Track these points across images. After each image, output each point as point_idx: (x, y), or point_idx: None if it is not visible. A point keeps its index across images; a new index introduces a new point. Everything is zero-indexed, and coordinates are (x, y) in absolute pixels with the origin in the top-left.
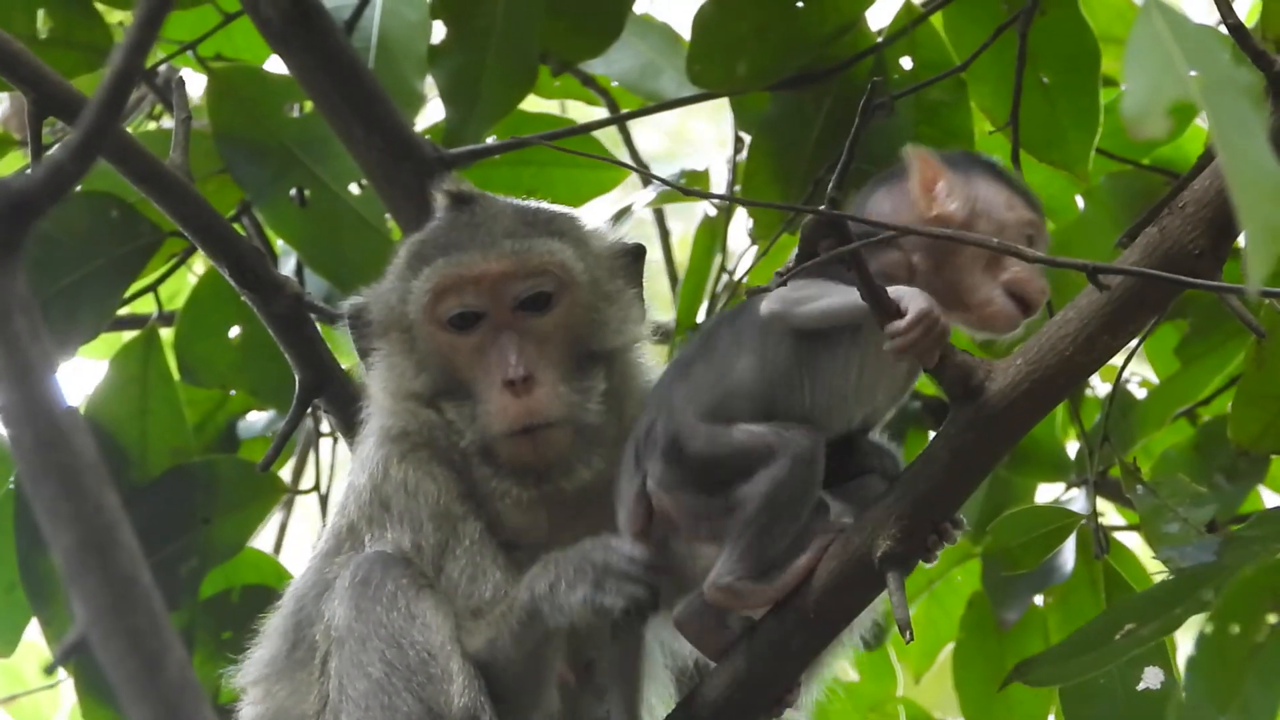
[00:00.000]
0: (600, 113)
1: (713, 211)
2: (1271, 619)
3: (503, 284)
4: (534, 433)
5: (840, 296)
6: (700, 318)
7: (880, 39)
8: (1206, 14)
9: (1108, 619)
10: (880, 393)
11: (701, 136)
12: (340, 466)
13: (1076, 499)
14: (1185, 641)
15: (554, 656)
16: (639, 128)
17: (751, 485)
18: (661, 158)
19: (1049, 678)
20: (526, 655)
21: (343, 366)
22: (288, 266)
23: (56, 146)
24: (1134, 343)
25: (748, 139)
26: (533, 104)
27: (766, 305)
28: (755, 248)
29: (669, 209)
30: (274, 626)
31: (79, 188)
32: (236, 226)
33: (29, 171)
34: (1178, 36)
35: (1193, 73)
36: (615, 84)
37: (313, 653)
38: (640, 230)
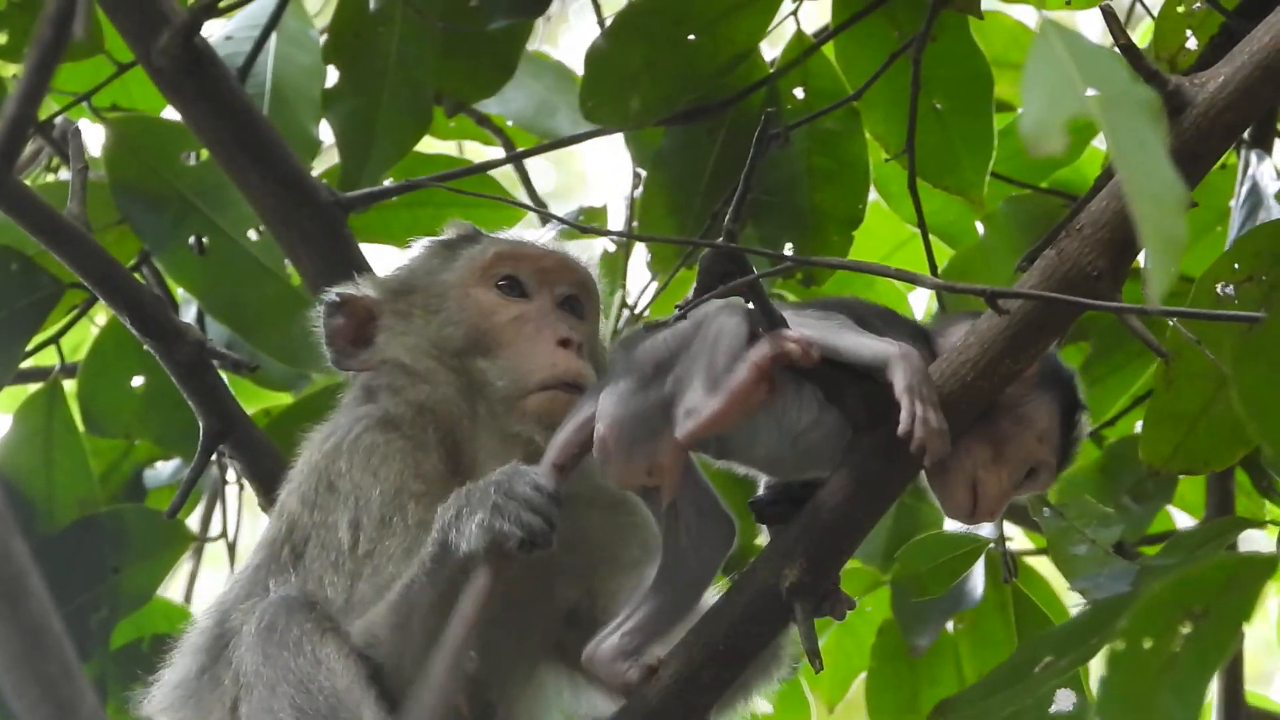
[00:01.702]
0: (496, 152)
1: (612, 247)
2: (1185, 629)
3: (555, 275)
4: (570, 390)
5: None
6: None
7: (773, 69)
8: (1100, 37)
9: (1024, 653)
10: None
11: (600, 170)
12: (248, 513)
13: (984, 524)
14: (1097, 661)
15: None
16: (536, 165)
17: (695, 340)
18: (560, 194)
19: (970, 717)
20: (439, 598)
21: (247, 413)
22: (189, 314)
23: None
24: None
25: (644, 174)
26: (429, 145)
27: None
28: (655, 281)
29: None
30: (189, 645)
31: None
32: (136, 276)
33: None
34: (1075, 55)
35: (1090, 91)
36: (510, 123)
37: (229, 669)
38: None
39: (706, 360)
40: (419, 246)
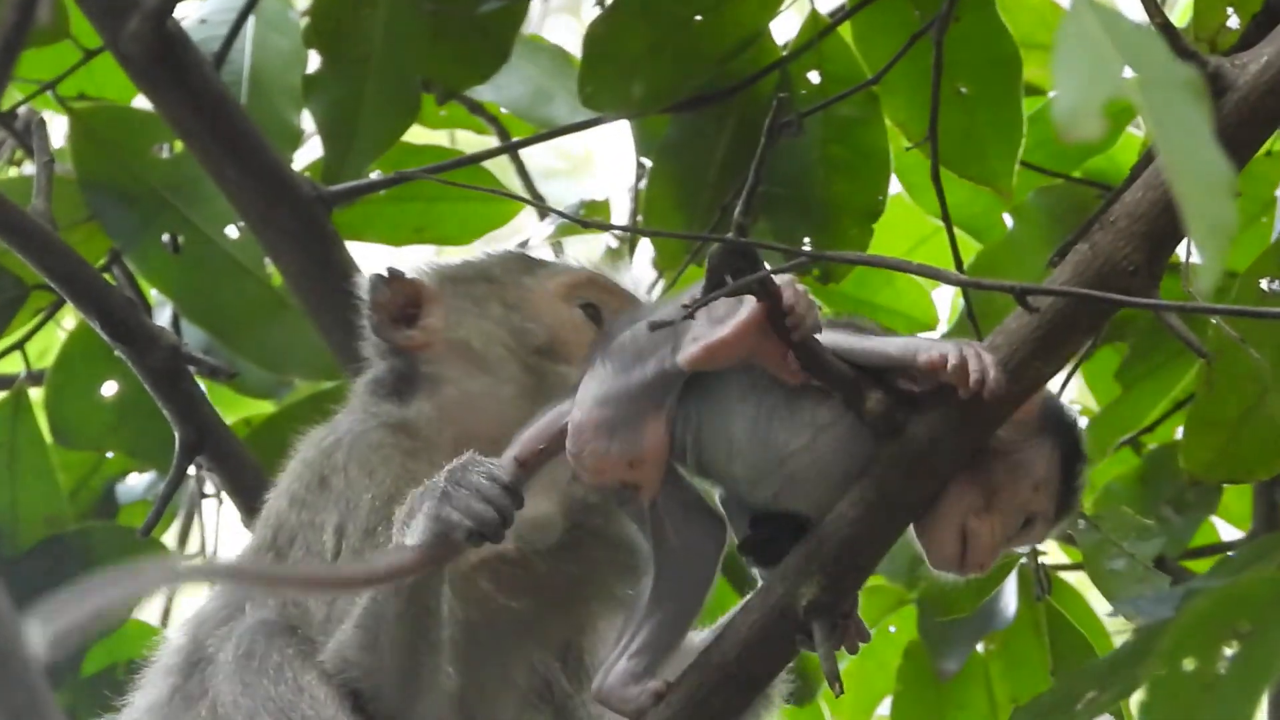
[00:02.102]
0: (490, 142)
1: (615, 243)
2: (1229, 649)
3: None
4: None
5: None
6: None
7: (785, 53)
8: (1135, 16)
9: (1064, 688)
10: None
11: (603, 156)
12: (226, 528)
13: None
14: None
15: (436, 620)
16: (533, 151)
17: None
18: (559, 175)
19: None
20: (405, 609)
21: (226, 422)
22: (163, 317)
23: None
24: (1071, 368)
25: (649, 164)
26: (418, 135)
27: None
28: (661, 279)
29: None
30: (160, 665)
31: None
32: (106, 277)
33: None
34: (1110, 33)
35: (1127, 71)
36: (505, 111)
37: (203, 689)
38: None
39: (704, 316)
40: (489, 248)
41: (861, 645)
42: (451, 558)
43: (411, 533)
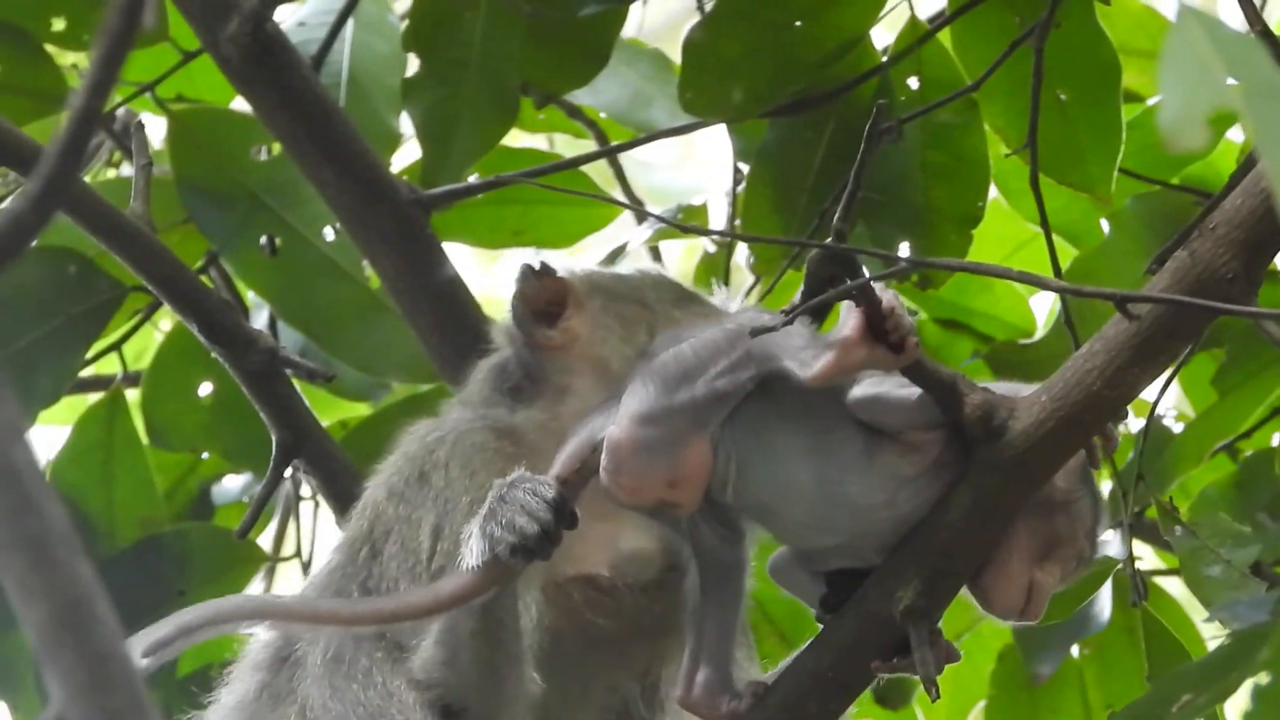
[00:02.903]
0: (588, 146)
1: (712, 248)
2: None
3: None
4: None
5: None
6: None
7: (885, 58)
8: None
9: (1160, 690)
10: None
11: (701, 155)
12: (322, 530)
13: (1111, 543)
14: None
15: (513, 634)
16: (631, 152)
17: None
18: (658, 167)
19: None
20: (479, 625)
21: (322, 425)
22: (260, 320)
23: (10, 197)
24: (1168, 374)
25: (746, 169)
26: (516, 138)
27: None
28: (758, 285)
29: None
30: (248, 661)
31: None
32: (204, 279)
33: None
34: (1215, 43)
35: (1231, 80)
36: (604, 115)
37: (290, 689)
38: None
39: (787, 343)
40: (645, 269)
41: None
42: (509, 578)
43: (471, 553)
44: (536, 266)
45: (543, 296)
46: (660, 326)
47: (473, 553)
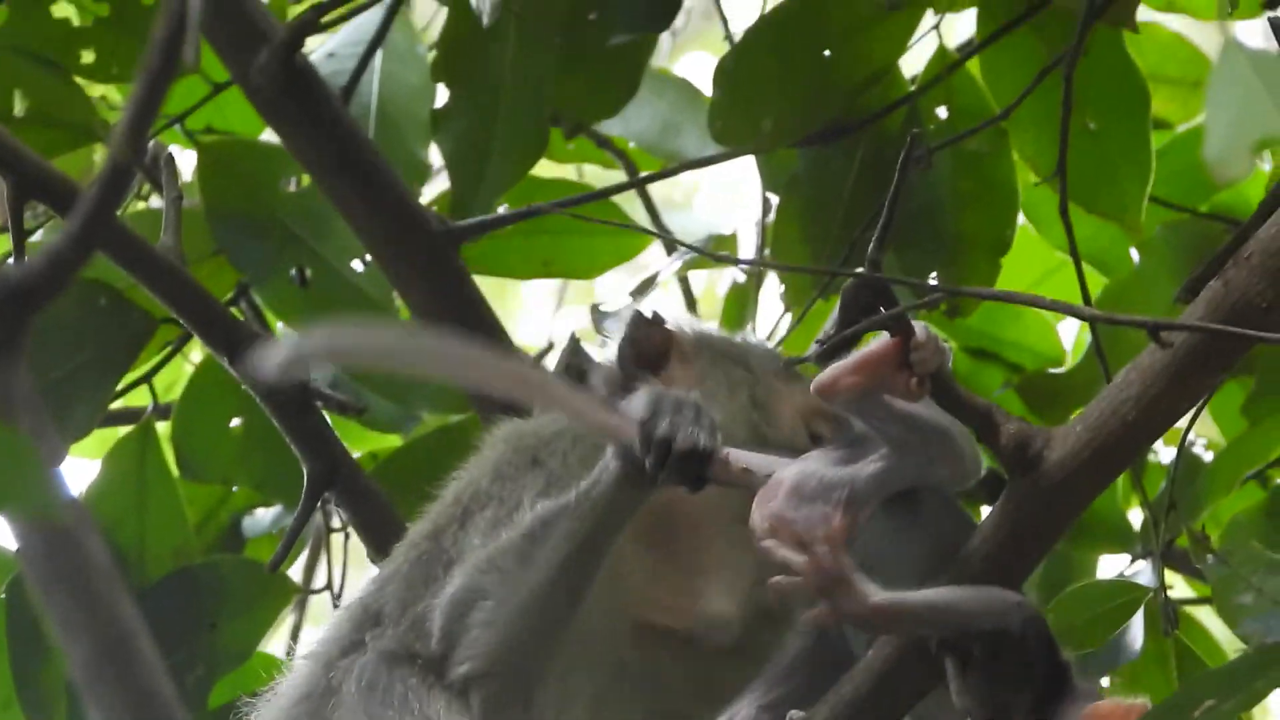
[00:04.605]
0: (618, 176)
1: (741, 277)
2: None
3: None
4: None
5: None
6: None
7: (914, 87)
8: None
9: (1184, 695)
10: None
11: (716, 187)
12: (354, 562)
13: (1143, 571)
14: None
15: (587, 575)
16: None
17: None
18: (677, 207)
19: None
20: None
21: (353, 456)
22: None
23: (52, 233)
24: (1200, 403)
25: (776, 199)
26: (545, 169)
27: None
28: (789, 315)
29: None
30: (284, 694)
31: None
32: (234, 311)
33: (24, 261)
34: (1261, 73)
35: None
36: (633, 145)
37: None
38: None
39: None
40: (751, 338)
41: None
42: (637, 489)
43: (632, 404)
44: (649, 315)
45: (650, 345)
46: (762, 394)
47: (635, 406)
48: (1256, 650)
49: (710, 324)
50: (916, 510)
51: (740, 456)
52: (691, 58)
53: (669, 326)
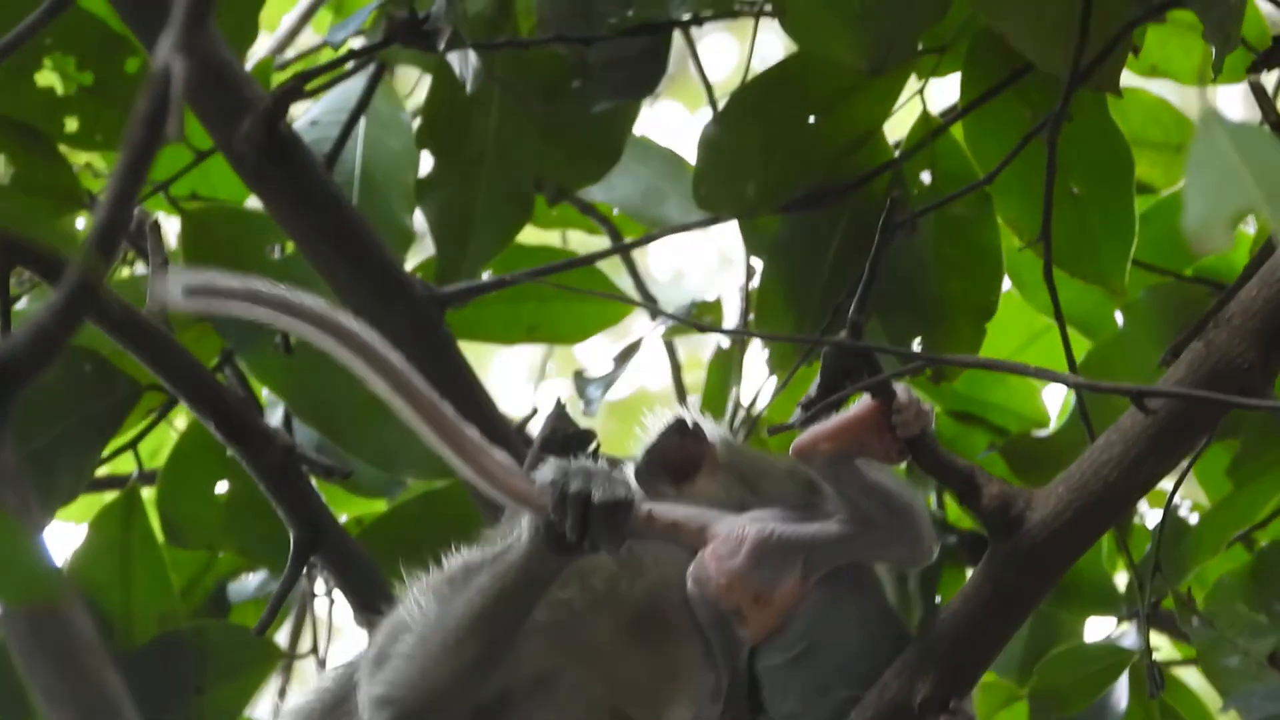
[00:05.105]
0: (602, 242)
1: (726, 343)
2: None
3: None
4: None
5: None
6: None
7: (898, 153)
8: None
9: None
10: None
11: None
12: (339, 627)
13: (1129, 634)
14: None
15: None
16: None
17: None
18: (668, 280)
19: None
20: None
21: (339, 522)
22: (274, 418)
23: (34, 305)
24: (1184, 465)
25: (759, 265)
26: (529, 234)
27: None
28: (773, 379)
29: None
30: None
31: None
32: (219, 377)
33: (9, 335)
34: (1238, 146)
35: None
36: (617, 211)
37: None
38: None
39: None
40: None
41: None
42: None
43: (541, 473)
44: (689, 424)
45: (682, 453)
46: None
47: (544, 474)
48: None
49: (736, 438)
50: (858, 580)
51: (664, 510)
52: (665, 106)
53: (709, 439)
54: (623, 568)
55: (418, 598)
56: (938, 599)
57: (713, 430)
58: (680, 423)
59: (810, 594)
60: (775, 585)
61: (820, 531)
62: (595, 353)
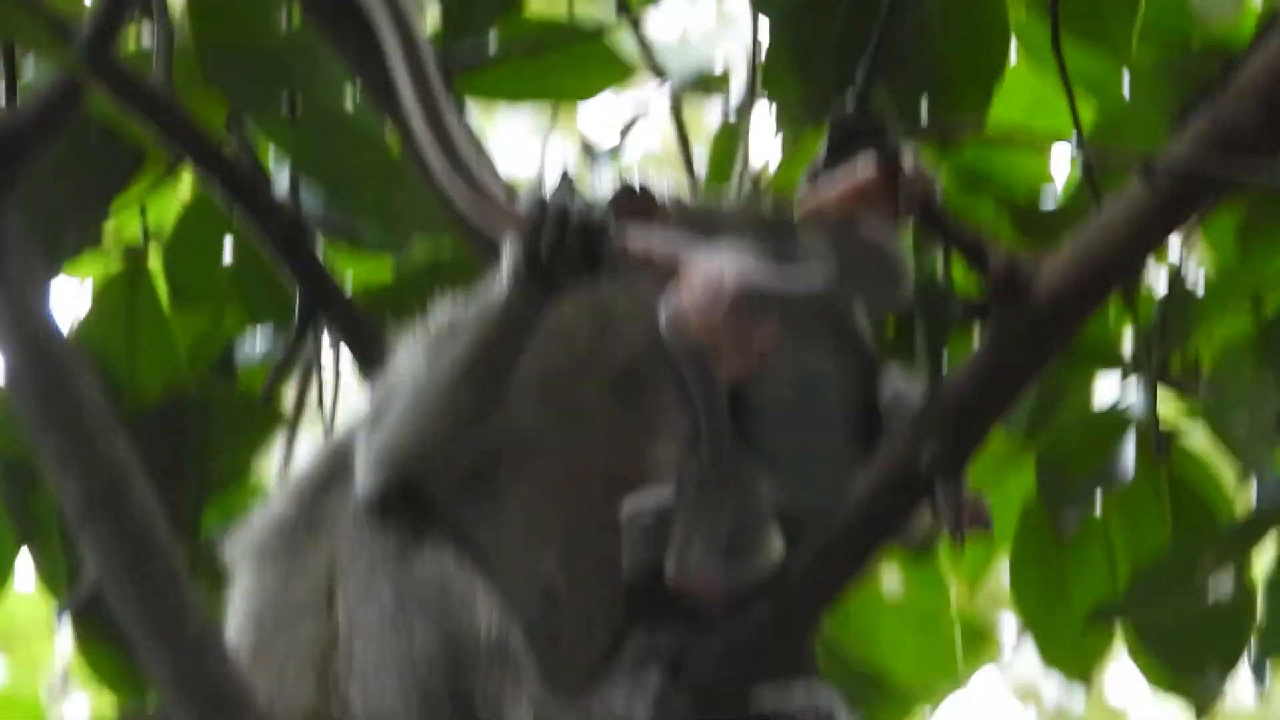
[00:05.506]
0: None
1: (732, 116)
2: None
3: None
4: None
5: None
6: None
7: None
8: None
9: (1183, 548)
10: None
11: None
12: (345, 391)
13: (1135, 399)
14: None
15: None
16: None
17: None
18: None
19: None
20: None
21: (342, 286)
22: (279, 183)
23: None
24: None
25: (767, 32)
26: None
27: None
28: (778, 151)
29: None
30: (291, 488)
31: None
32: (224, 145)
33: (15, 106)
34: None
35: None
36: None
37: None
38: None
39: None
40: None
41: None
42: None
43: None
44: (637, 190)
45: (633, 215)
46: None
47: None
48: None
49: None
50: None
51: (639, 237)
52: None
53: (658, 199)
54: (602, 332)
55: (407, 358)
56: (944, 364)
57: (662, 189)
58: (628, 187)
59: (787, 337)
60: (752, 325)
61: (795, 272)
62: (600, 114)
